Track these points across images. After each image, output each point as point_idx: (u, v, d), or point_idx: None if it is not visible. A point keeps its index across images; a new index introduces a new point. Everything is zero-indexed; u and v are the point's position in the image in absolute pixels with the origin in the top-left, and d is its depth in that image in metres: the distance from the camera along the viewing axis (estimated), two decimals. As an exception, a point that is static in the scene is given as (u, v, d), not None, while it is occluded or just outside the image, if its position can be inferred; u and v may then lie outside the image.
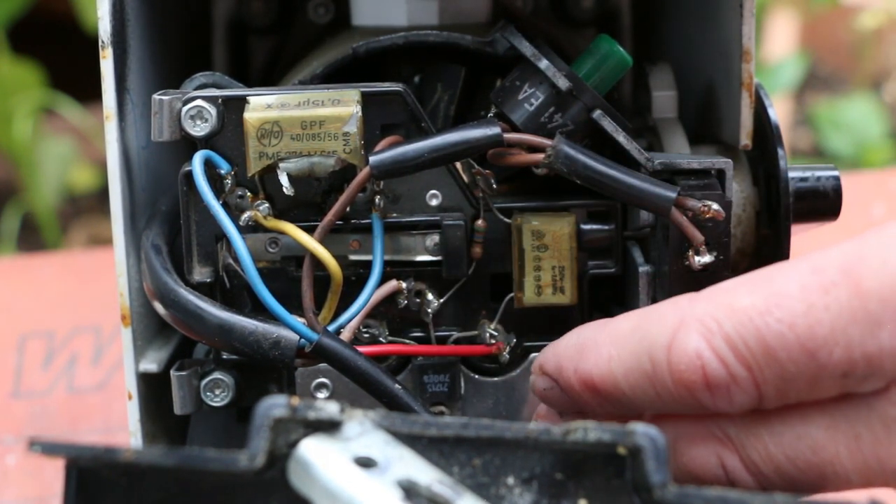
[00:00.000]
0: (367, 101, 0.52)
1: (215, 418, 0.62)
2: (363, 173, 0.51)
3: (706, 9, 0.62)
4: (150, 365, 0.56)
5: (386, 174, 0.51)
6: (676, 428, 0.47)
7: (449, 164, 0.54)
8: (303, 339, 0.51)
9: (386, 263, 0.54)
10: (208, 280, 0.54)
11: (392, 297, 0.55)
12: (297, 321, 0.51)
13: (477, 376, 0.56)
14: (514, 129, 0.53)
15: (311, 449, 0.41)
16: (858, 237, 0.45)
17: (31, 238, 1.45)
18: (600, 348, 0.48)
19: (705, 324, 0.45)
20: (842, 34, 1.76)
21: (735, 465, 0.47)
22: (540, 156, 0.52)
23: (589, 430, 0.41)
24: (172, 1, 0.65)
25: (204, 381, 0.55)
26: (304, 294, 0.52)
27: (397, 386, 0.52)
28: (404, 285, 0.55)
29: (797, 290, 0.44)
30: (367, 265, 0.54)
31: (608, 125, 0.53)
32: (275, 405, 0.41)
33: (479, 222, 0.54)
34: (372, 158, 0.51)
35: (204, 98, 0.52)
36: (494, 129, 0.52)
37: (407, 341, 0.56)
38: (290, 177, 0.52)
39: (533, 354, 0.56)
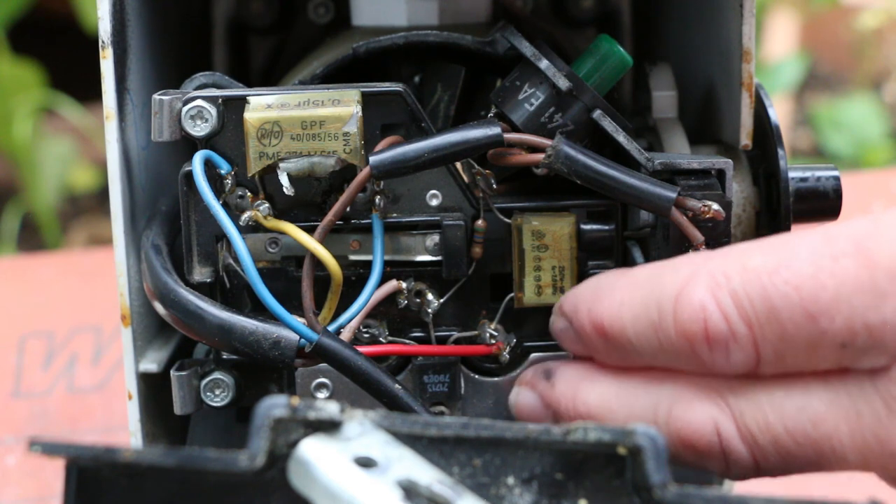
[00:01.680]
0: (367, 101, 0.52)
1: (215, 418, 0.61)
2: (363, 173, 0.51)
3: (706, 9, 0.62)
4: (150, 365, 0.56)
5: (386, 174, 0.51)
6: (675, 387, 0.47)
7: (449, 164, 0.54)
8: (303, 339, 0.51)
9: (386, 263, 0.54)
10: (208, 280, 0.54)
11: (392, 297, 0.55)
12: (297, 321, 0.51)
13: (477, 376, 0.56)
14: (515, 129, 0.53)
15: (311, 449, 0.41)
16: (875, 214, 0.45)
17: (31, 238, 1.45)
18: (614, 293, 0.48)
19: (714, 278, 0.45)
20: (842, 34, 1.76)
21: (730, 433, 0.46)
22: (540, 156, 0.52)
23: (589, 430, 0.41)
24: (172, 1, 0.65)
25: (204, 381, 0.55)
26: (304, 294, 0.52)
27: (397, 386, 0.52)
28: (404, 285, 0.55)
29: (807, 255, 0.44)
30: (367, 265, 0.54)
31: (608, 125, 0.53)
32: (275, 405, 0.41)
33: (479, 222, 0.54)
34: (372, 158, 0.51)
35: (204, 98, 0.52)
36: (494, 129, 0.52)
37: (407, 341, 0.56)
38: (290, 177, 0.52)
39: (533, 354, 0.56)
